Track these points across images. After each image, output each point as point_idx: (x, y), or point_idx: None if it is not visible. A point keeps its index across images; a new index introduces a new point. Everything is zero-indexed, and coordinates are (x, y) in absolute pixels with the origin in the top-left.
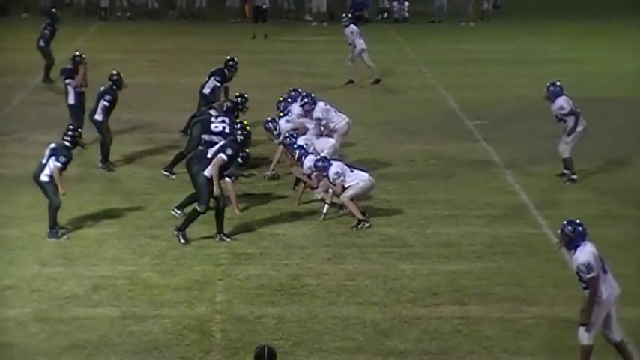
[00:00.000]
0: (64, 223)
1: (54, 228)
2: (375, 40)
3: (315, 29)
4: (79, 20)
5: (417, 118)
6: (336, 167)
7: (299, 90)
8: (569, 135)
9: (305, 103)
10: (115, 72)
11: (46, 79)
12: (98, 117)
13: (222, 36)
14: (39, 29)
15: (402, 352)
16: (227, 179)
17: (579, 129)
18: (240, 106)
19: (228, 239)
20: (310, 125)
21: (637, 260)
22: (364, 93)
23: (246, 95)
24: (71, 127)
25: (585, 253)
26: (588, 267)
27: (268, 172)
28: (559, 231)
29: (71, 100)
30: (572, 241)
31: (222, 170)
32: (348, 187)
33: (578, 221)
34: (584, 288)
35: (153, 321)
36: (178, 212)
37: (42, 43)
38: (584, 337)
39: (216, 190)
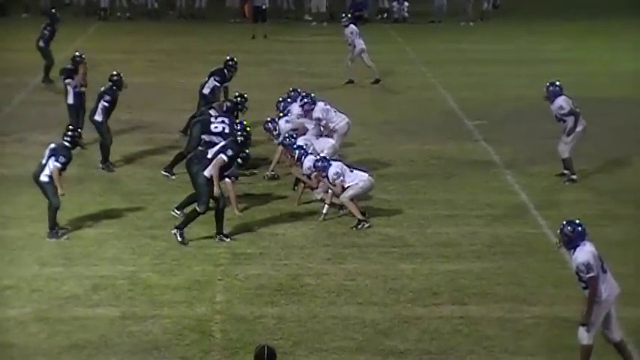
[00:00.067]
0: (64, 224)
1: (54, 228)
2: (375, 40)
3: (314, 29)
4: (79, 20)
5: (416, 118)
6: (335, 167)
7: (299, 90)
8: (568, 135)
9: (305, 103)
10: (115, 73)
11: (46, 80)
12: (98, 117)
13: (222, 36)
14: (39, 29)
15: (402, 352)
16: (227, 179)
17: (579, 129)
18: (239, 107)
19: (228, 239)
20: (310, 125)
21: (636, 260)
22: (364, 93)
23: (245, 95)
24: (71, 127)
25: (585, 252)
26: (588, 267)
27: (268, 173)
28: (558, 231)
29: (70, 100)
30: (572, 241)
31: (223, 171)
32: (348, 187)
33: (577, 221)
34: (584, 288)
35: (153, 321)
36: (178, 212)
37: (41, 44)
38: (583, 337)
39: (216, 191)
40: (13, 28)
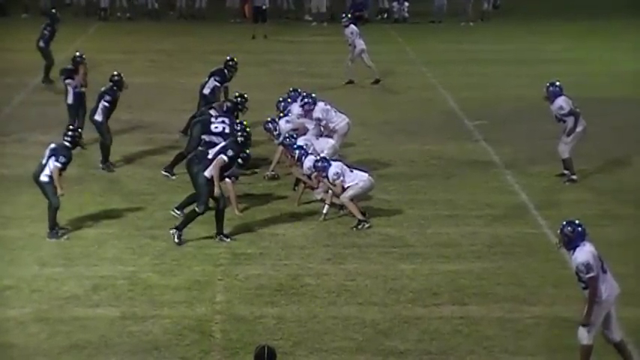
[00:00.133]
0: (64, 224)
1: (54, 228)
2: (375, 40)
3: (314, 29)
4: (79, 20)
5: (416, 118)
6: (335, 167)
7: (299, 90)
8: (568, 135)
9: (305, 103)
10: (115, 73)
11: (46, 80)
12: (98, 117)
13: (222, 36)
14: (39, 29)
15: (402, 352)
16: (227, 179)
17: (579, 129)
18: (240, 107)
19: (228, 239)
20: (310, 125)
21: (636, 260)
22: (364, 93)
23: (245, 95)
24: (71, 127)
25: (584, 253)
26: (587, 267)
27: (268, 173)
28: (558, 231)
29: (70, 100)
30: (572, 242)
31: (223, 171)
32: (348, 187)
33: (577, 221)
34: (584, 288)
35: (153, 321)
36: (178, 213)
37: (41, 44)
38: (583, 337)
39: (216, 191)
40: (13, 28)
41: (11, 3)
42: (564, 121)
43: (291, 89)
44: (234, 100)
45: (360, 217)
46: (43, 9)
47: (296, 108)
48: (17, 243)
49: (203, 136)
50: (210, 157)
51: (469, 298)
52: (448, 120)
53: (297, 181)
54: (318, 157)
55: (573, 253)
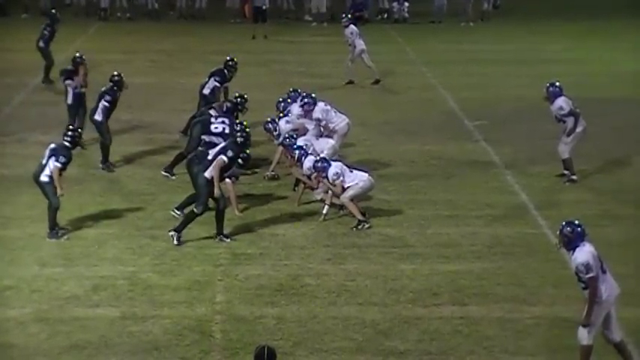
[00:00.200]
0: (64, 224)
1: (54, 228)
2: (375, 40)
3: (314, 30)
4: (79, 21)
5: (416, 119)
6: (335, 168)
7: (299, 90)
8: (568, 135)
9: (305, 103)
10: (116, 73)
11: (46, 80)
12: (98, 117)
13: (222, 36)
14: (38, 30)
15: (402, 352)
16: (227, 180)
17: (579, 129)
18: (239, 107)
19: (228, 240)
20: (310, 126)
21: (636, 260)
22: (364, 93)
23: (245, 96)
24: (71, 127)
25: (584, 253)
26: (587, 267)
27: (268, 173)
28: (558, 232)
29: (69, 100)
30: (571, 242)
31: (223, 172)
32: (348, 187)
33: (576, 222)
34: (584, 288)
35: (153, 321)
36: (178, 213)
37: (41, 44)
38: (583, 337)
39: (216, 192)
40: (13, 29)
41: (11, 3)
42: (564, 122)
43: (291, 89)
44: (234, 100)
45: (360, 217)
46: (43, 9)
47: (296, 108)
48: (17, 243)
49: (203, 137)
50: (210, 157)
51: (469, 298)
52: (448, 120)
53: (297, 181)
54: (318, 158)
55: (573, 254)
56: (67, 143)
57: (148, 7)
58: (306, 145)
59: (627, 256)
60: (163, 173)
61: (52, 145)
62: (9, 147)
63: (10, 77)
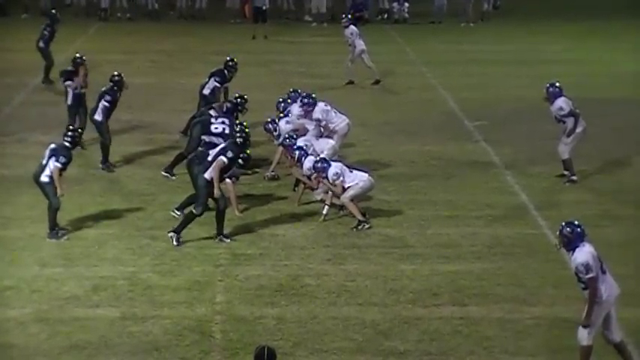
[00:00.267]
0: (64, 224)
1: (54, 229)
2: (375, 40)
3: (315, 30)
4: (79, 21)
5: (416, 119)
6: (335, 168)
7: (299, 91)
8: (568, 136)
9: (305, 103)
10: (116, 73)
11: (46, 80)
12: (98, 117)
13: (222, 37)
14: (38, 30)
15: (402, 352)
16: (227, 180)
17: (579, 130)
18: (239, 107)
19: (228, 240)
20: (310, 126)
21: (637, 260)
22: (364, 94)
23: (245, 96)
24: (71, 127)
25: (584, 253)
26: (587, 267)
27: (268, 173)
28: (558, 232)
29: (69, 101)
30: (571, 242)
31: (223, 172)
32: (348, 187)
33: (576, 222)
34: (584, 289)
35: (153, 322)
36: (178, 213)
37: (41, 44)
38: (583, 337)
39: (216, 193)
40: (13, 29)
41: (11, 3)
42: (564, 122)
43: (291, 90)
44: (234, 100)
45: (360, 217)
46: (43, 9)
47: (296, 108)
48: (17, 243)
49: (203, 137)
50: (210, 158)
51: (469, 298)
52: (448, 120)
53: (297, 181)
54: (318, 158)
55: (573, 254)
56: (67, 143)
57: (148, 8)
58: (306, 145)
59: (627, 257)
60: (163, 173)
61: (52, 146)
62: (9, 147)
63: (10, 77)
